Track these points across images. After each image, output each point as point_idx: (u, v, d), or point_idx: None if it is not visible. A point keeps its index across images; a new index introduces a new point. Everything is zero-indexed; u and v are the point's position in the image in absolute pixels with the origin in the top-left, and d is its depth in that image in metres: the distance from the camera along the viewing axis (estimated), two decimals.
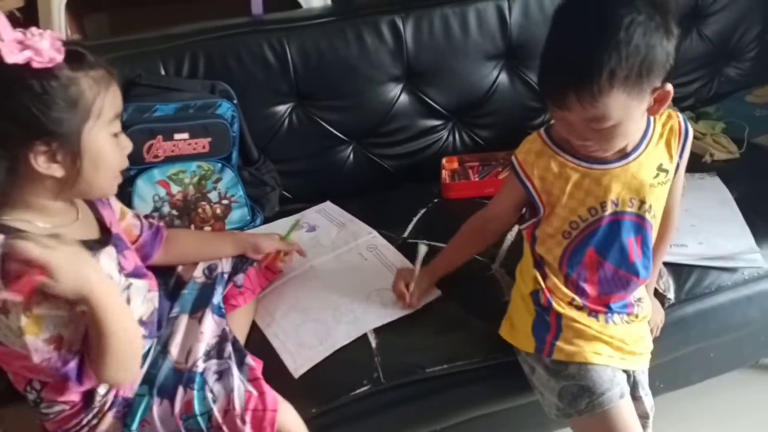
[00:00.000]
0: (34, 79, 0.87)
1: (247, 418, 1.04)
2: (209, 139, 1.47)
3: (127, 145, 1.01)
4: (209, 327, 1.16)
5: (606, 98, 0.93)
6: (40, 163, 0.90)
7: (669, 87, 0.99)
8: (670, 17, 0.95)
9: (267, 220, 1.61)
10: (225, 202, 1.54)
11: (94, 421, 1.04)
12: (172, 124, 1.44)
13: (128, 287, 1.07)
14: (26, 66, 0.86)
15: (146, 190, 1.45)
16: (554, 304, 1.15)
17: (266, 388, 1.08)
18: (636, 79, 0.94)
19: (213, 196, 1.53)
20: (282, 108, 1.63)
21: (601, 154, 1.06)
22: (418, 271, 1.30)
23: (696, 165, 1.63)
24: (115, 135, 0.98)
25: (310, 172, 1.70)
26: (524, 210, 1.20)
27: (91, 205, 1.08)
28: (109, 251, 1.04)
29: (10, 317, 0.87)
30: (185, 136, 1.45)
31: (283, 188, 1.66)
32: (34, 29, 0.89)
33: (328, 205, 1.64)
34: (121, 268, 1.06)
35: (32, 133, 0.88)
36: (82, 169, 0.93)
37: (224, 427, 1.04)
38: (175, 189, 1.49)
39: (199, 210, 1.52)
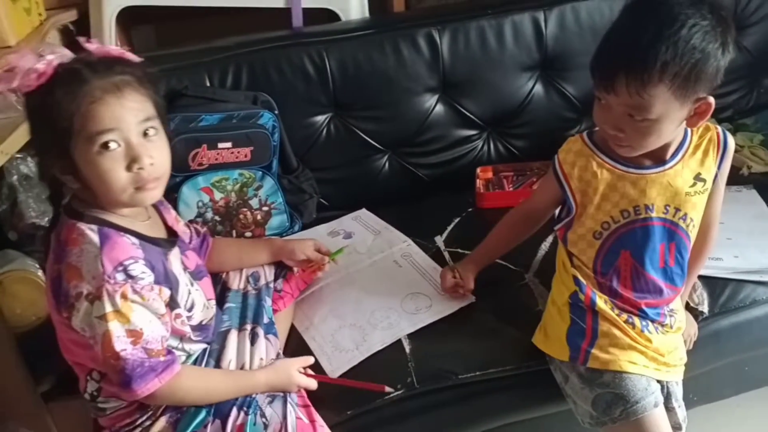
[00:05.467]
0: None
1: None
2: (251, 148, 1.52)
3: (136, 156, 0.93)
4: (263, 348, 1.16)
5: (653, 89, 0.96)
6: (59, 175, 0.95)
7: (711, 100, 1.01)
8: (729, 35, 0.98)
9: (305, 227, 1.65)
10: (265, 208, 1.59)
11: (148, 423, 1.06)
12: (217, 134, 1.49)
13: (192, 285, 1.10)
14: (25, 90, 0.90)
15: (191, 196, 1.51)
16: (597, 300, 1.15)
17: (317, 416, 1.08)
18: (684, 80, 0.97)
19: (254, 202, 1.57)
20: (320, 118, 1.67)
21: (630, 153, 1.08)
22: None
23: (733, 177, 1.58)
24: (105, 148, 0.92)
25: (347, 181, 1.73)
26: (559, 208, 1.22)
27: (156, 207, 1.13)
28: (175, 251, 1.09)
29: (95, 305, 0.92)
30: (228, 145, 1.50)
31: (320, 195, 1.70)
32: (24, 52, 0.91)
33: (363, 213, 1.68)
34: (185, 267, 1.11)
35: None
36: (89, 183, 0.94)
37: None
38: (218, 195, 1.54)
39: (241, 216, 1.57)
